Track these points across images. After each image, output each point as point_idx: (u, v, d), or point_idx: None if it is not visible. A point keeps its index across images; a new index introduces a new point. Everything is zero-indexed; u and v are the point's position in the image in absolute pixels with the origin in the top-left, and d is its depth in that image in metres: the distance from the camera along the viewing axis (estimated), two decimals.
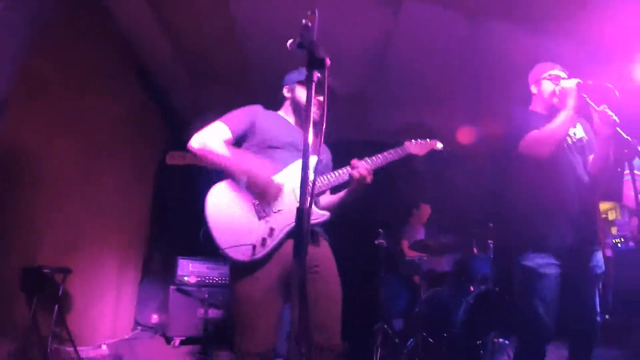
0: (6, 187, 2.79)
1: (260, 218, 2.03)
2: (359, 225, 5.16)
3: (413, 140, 2.49)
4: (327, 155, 2.47)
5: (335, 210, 2.32)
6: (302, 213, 1.41)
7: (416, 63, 4.58)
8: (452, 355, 3.78)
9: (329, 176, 2.22)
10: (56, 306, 3.22)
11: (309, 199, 1.47)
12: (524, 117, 2.55)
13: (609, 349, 3.57)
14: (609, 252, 5.48)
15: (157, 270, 5.31)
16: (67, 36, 3.08)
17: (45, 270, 3.10)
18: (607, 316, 4.80)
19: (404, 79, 4.89)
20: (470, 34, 4.07)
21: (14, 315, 2.99)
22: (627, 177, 3.22)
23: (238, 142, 2.24)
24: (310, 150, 2.14)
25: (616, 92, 2.27)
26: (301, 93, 2.33)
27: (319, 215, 2.15)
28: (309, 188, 1.49)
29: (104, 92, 3.97)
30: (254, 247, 1.96)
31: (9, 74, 1.83)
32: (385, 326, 4.35)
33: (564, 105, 2.34)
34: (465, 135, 5.44)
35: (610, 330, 3.86)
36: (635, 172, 3.08)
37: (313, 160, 2.18)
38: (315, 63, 1.53)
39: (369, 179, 2.19)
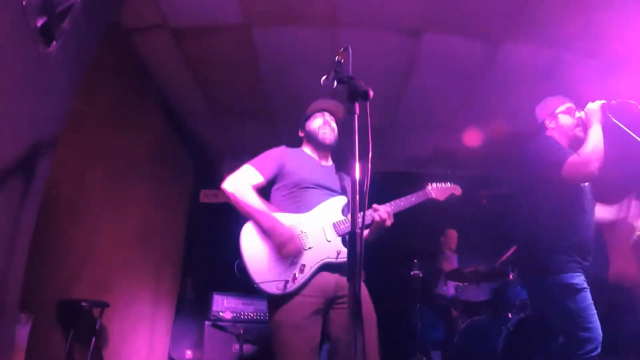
0: (44, 220, 2.88)
1: (286, 257, 2.16)
2: (394, 257, 5.11)
3: (434, 184, 2.55)
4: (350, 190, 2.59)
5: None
6: (355, 237, 1.48)
7: (437, 91, 4.62)
8: None
9: (347, 222, 2.30)
10: (93, 340, 3.25)
11: (360, 222, 1.53)
12: (552, 144, 2.59)
13: None
14: None
15: (191, 306, 5.33)
16: (95, 71, 3.22)
17: (83, 304, 3.14)
18: None
19: (425, 107, 4.93)
20: (488, 59, 4.11)
21: (50, 348, 3.00)
22: None
23: (269, 183, 2.39)
24: (339, 190, 2.45)
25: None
26: (310, 125, 2.55)
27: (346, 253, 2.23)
28: (359, 215, 1.54)
29: (130, 126, 4.07)
30: (286, 282, 2.08)
31: (62, 113, 1.93)
32: (424, 358, 4.24)
33: (591, 123, 2.42)
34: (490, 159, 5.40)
35: None
36: None
37: (342, 200, 2.38)
38: (357, 95, 1.58)
39: (389, 222, 2.29)
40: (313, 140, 2.54)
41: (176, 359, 4.94)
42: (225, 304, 4.65)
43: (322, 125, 2.52)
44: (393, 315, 4.90)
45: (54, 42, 1.62)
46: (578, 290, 2.40)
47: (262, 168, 2.36)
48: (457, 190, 2.60)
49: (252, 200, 2.22)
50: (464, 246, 5.41)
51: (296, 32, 3.74)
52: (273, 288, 2.07)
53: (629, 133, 2.37)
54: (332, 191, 2.43)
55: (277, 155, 2.44)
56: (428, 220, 5.77)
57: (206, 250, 5.65)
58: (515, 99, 4.63)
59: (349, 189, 2.41)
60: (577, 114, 2.60)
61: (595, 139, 2.37)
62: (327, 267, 2.18)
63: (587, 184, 2.61)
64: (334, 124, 2.55)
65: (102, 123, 3.53)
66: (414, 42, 3.89)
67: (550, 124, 2.72)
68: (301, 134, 2.65)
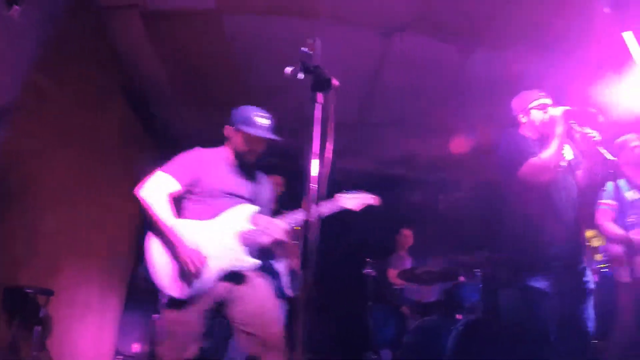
0: None
1: None
2: (347, 255, 5.16)
3: (346, 194, 2.49)
4: (267, 193, 2.62)
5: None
6: (308, 226, 1.49)
7: (407, 91, 4.68)
8: None
9: (250, 231, 2.37)
10: (37, 328, 3.10)
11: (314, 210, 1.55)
12: (519, 142, 2.63)
13: None
14: (595, 278, 5.59)
15: (142, 297, 5.16)
16: (64, 51, 3.08)
17: (28, 291, 3.01)
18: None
19: (395, 107, 4.99)
20: (460, 63, 4.21)
21: None
22: (601, 207, 3.32)
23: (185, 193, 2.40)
24: (253, 199, 2.48)
25: (600, 116, 2.38)
26: (241, 143, 2.45)
27: (248, 263, 2.34)
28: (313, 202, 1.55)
29: (96, 108, 3.95)
30: (183, 287, 2.20)
31: (16, 84, 1.82)
32: (375, 356, 4.30)
33: (553, 133, 2.45)
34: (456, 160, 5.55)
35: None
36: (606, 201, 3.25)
37: (250, 209, 2.43)
38: (321, 85, 1.58)
39: (286, 238, 2.35)
40: (238, 150, 2.48)
41: (123, 353, 4.77)
42: None
43: (252, 145, 2.46)
44: (345, 314, 4.95)
45: (16, 6, 1.54)
46: (540, 295, 2.41)
47: (178, 175, 2.36)
48: (374, 201, 2.56)
49: (159, 208, 2.26)
50: (418, 247, 5.52)
51: (270, 22, 3.70)
52: (172, 291, 2.20)
53: (587, 140, 2.45)
54: (243, 199, 2.45)
55: (194, 162, 2.43)
56: (383, 219, 5.90)
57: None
58: (484, 105, 4.77)
59: (264, 195, 2.56)
60: (550, 111, 2.58)
61: (551, 153, 2.42)
62: (226, 275, 2.28)
63: (565, 162, 2.61)
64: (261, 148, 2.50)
65: (65, 101, 3.38)
66: (387, 41, 3.93)
67: (522, 118, 2.74)
68: (227, 133, 2.51)
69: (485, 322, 4.19)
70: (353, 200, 2.48)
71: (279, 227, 2.33)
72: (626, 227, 3.20)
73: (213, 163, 2.47)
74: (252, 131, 2.39)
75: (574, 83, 3.63)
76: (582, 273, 2.52)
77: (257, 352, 2.23)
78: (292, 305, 3.65)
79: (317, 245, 1.48)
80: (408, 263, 5.38)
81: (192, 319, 2.24)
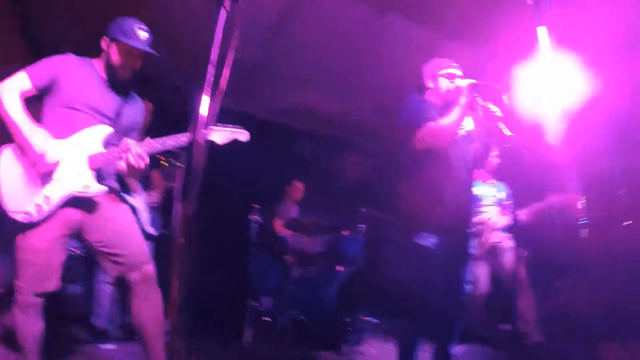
0: None
1: (42, 184, 2.10)
2: (233, 200, 4.98)
3: (216, 126, 2.25)
4: (135, 115, 2.41)
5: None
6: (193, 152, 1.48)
7: (314, 45, 4.51)
8: (322, 333, 3.86)
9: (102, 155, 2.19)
10: None
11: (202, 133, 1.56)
12: (420, 106, 2.66)
13: None
14: None
15: None
16: None
17: None
18: None
19: (300, 60, 4.79)
20: (374, 25, 4.14)
21: None
22: None
23: (41, 94, 2.20)
24: (115, 119, 2.29)
25: (504, 95, 2.49)
26: (116, 55, 2.25)
27: (96, 188, 2.18)
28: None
29: None
30: (27, 213, 2.07)
31: None
32: (255, 303, 4.26)
33: (457, 101, 2.51)
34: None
35: None
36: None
37: (106, 130, 2.24)
38: None
39: (141, 165, 2.15)
40: (112, 62, 2.26)
41: None
42: None
43: (128, 59, 2.25)
44: (227, 259, 4.83)
45: None
46: (425, 253, 2.52)
47: (35, 75, 2.16)
48: (243, 136, 2.35)
49: (12, 109, 2.09)
50: (306, 199, 5.53)
51: None
52: (18, 216, 2.07)
53: (489, 114, 2.55)
54: (105, 118, 2.27)
55: (56, 65, 2.21)
56: (272, 168, 5.82)
57: None
58: (390, 70, 4.79)
59: (131, 117, 2.37)
60: (458, 81, 2.65)
61: (452, 120, 2.49)
62: (73, 201, 2.14)
63: (464, 132, 2.72)
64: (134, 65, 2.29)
65: None
66: None
67: (430, 83, 2.79)
68: (103, 45, 2.30)
69: (365, 275, 4.40)
70: (220, 134, 2.27)
71: (137, 153, 2.13)
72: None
73: (80, 72, 2.26)
74: (131, 42, 2.21)
75: (487, 69, 3.78)
76: (467, 238, 2.70)
77: (122, 271, 2.18)
78: (158, 245, 3.38)
79: (200, 177, 1.41)
80: (294, 214, 5.38)
81: (48, 246, 2.12)
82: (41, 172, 2.09)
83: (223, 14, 1.44)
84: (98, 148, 2.19)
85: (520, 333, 3.53)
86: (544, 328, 3.55)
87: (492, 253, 3.85)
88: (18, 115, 2.09)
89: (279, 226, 5.17)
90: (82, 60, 2.30)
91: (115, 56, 2.24)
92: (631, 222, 4.31)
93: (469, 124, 2.77)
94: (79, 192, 2.13)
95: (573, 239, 4.47)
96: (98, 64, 2.32)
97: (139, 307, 2.17)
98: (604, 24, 3.54)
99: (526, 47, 3.56)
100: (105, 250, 2.19)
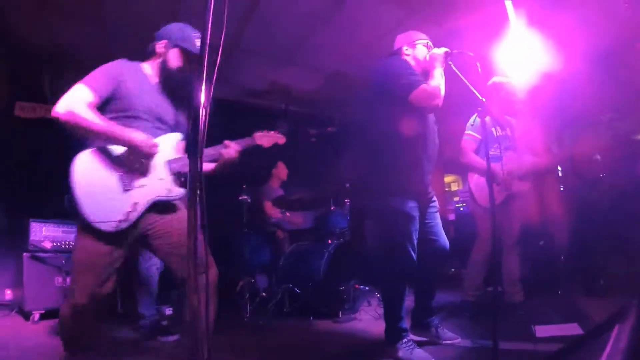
0: None
1: (125, 191, 2.09)
2: (223, 181, 5.08)
3: (261, 132, 2.57)
4: (185, 122, 2.48)
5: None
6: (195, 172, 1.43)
7: (283, 21, 4.61)
8: (318, 303, 4.06)
9: (180, 160, 2.27)
10: None
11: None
12: (407, 68, 2.76)
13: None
14: (452, 216, 6.48)
15: (4, 236, 4.49)
16: None
17: None
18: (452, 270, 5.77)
19: (269, 36, 4.87)
20: (338, 1, 4.26)
21: None
22: (466, 137, 3.74)
23: (102, 106, 2.14)
24: (175, 125, 2.36)
25: (478, 63, 2.62)
26: (178, 59, 2.29)
27: (178, 192, 2.23)
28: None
29: None
30: (120, 221, 2.04)
31: None
32: (252, 281, 4.46)
33: (434, 67, 2.69)
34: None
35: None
36: (471, 132, 3.69)
37: (176, 138, 2.31)
38: None
39: (236, 160, 2.35)
40: (171, 66, 2.29)
41: None
42: (44, 233, 4.10)
43: (187, 64, 2.29)
44: (220, 240, 4.97)
45: None
46: (401, 215, 2.74)
47: (96, 86, 2.10)
48: (281, 140, 2.64)
49: (90, 116, 2.01)
50: (290, 178, 5.70)
51: None
52: (108, 227, 2.02)
53: (463, 80, 2.71)
54: (163, 123, 2.30)
55: (114, 73, 2.17)
56: (260, 151, 5.93)
57: (21, 171, 4.79)
58: (356, 46, 4.93)
59: (183, 123, 2.41)
60: (433, 50, 2.81)
61: (439, 79, 2.67)
62: (156, 205, 2.18)
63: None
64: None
65: None
66: None
67: (407, 50, 2.92)
68: (159, 48, 2.31)
69: (352, 245, 4.64)
70: (265, 138, 2.56)
71: (237, 149, 2.33)
72: (488, 159, 3.69)
73: (136, 78, 2.24)
74: (193, 49, 2.27)
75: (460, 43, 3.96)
76: (432, 199, 2.94)
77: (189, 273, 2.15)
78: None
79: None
80: (281, 192, 5.55)
81: (114, 250, 2.08)
82: (151, 148, 2.10)
83: (209, 14, 1.43)
84: (173, 154, 2.27)
85: (503, 293, 3.63)
86: (525, 287, 3.72)
87: (506, 203, 3.73)
88: (103, 121, 2.04)
89: (269, 207, 5.34)
90: (134, 65, 2.30)
91: (176, 61, 2.29)
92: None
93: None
94: (164, 196, 2.18)
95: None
96: (150, 69, 2.34)
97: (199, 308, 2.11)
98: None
99: (494, 22, 3.75)
100: (176, 252, 2.16)
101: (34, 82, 4.77)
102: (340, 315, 3.97)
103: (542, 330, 2.91)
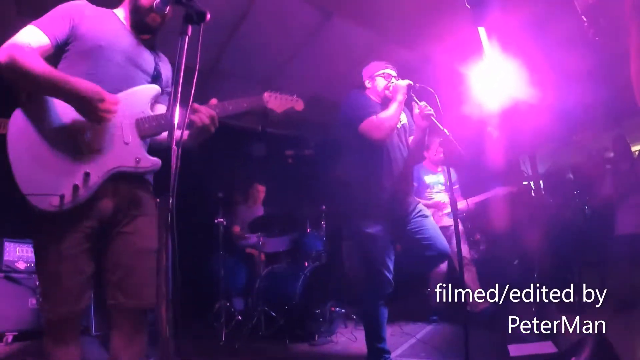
0: None
1: (74, 158, 1.62)
2: (199, 203, 5.04)
3: (273, 93, 2.04)
4: (167, 74, 2.01)
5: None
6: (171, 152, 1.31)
7: (264, 45, 4.69)
8: (294, 326, 4.04)
9: (163, 118, 1.78)
10: None
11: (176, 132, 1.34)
12: (363, 100, 2.98)
13: None
14: None
15: None
16: None
17: None
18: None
19: (249, 61, 4.95)
20: (319, 27, 4.38)
21: None
22: None
23: (58, 53, 1.73)
24: (155, 76, 1.90)
25: (436, 96, 2.77)
26: None
27: (150, 161, 1.75)
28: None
29: None
30: (63, 196, 1.56)
31: None
32: (228, 304, 4.39)
33: (395, 98, 2.84)
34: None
35: None
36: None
37: (153, 90, 1.84)
38: (193, 17, 1.43)
39: (212, 127, 1.79)
40: (139, 8, 1.83)
41: None
42: (17, 253, 4.02)
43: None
44: (196, 263, 4.91)
45: None
46: (371, 239, 2.84)
47: (49, 27, 1.67)
48: (299, 105, 2.11)
49: (38, 64, 1.56)
50: (267, 200, 5.69)
51: None
52: (46, 203, 1.54)
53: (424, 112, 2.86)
54: (143, 72, 1.86)
55: (70, 11, 1.74)
56: (238, 170, 5.93)
57: None
58: (333, 73, 5.04)
59: (164, 76, 1.97)
60: (392, 81, 2.97)
61: (392, 111, 2.81)
62: (118, 177, 1.69)
63: (400, 126, 3.03)
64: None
65: None
66: None
67: (368, 83, 3.12)
68: None
69: (328, 268, 4.64)
70: (278, 101, 2.04)
71: (212, 114, 1.79)
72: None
73: (105, 20, 1.82)
74: None
75: (422, 71, 4.10)
76: (414, 210, 2.99)
77: (116, 302, 1.71)
78: None
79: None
80: (260, 213, 5.50)
81: (78, 253, 1.63)
82: (103, 114, 1.60)
83: (185, 41, 1.38)
84: (147, 111, 1.77)
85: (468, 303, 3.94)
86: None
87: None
88: (49, 67, 1.59)
89: (237, 231, 5.27)
90: (102, 9, 1.87)
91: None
92: None
93: (403, 118, 3.10)
94: (130, 167, 1.70)
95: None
96: (121, 12, 1.91)
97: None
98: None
99: (467, 48, 3.89)
100: (110, 276, 1.72)
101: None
102: (317, 338, 3.97)
103: (515, 349, 2.95)
